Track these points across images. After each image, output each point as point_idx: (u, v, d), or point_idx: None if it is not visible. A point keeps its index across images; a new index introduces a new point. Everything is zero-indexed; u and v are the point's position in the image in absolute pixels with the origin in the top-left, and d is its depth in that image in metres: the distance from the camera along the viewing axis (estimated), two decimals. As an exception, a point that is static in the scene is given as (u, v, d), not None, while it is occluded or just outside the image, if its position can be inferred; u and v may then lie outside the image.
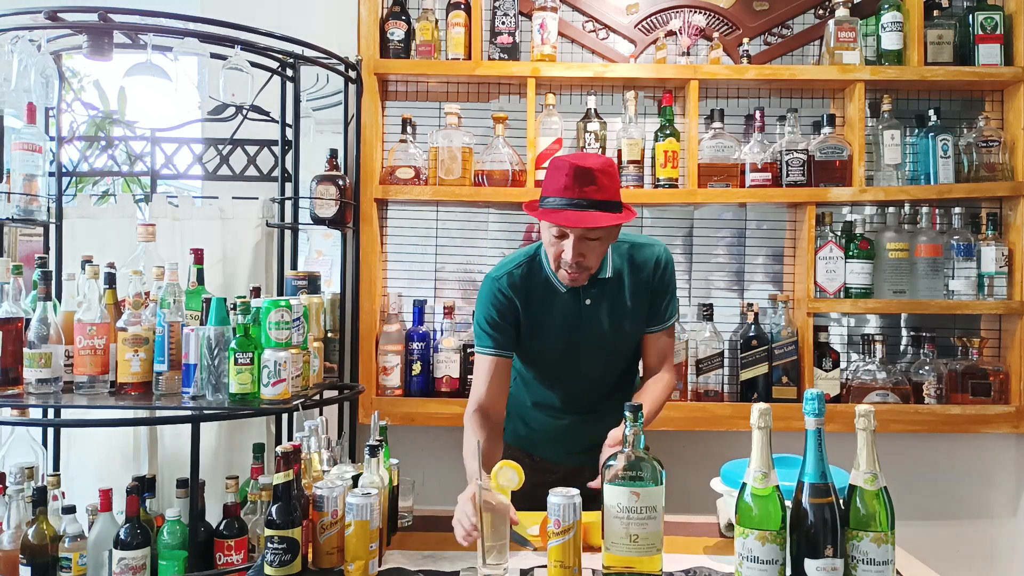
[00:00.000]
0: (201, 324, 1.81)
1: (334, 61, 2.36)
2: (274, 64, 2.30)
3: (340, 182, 2.32)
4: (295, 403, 1.76)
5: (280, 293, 2.32)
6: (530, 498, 1.84)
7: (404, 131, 2.52)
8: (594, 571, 1.33)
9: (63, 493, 1.90)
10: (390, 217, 2.63)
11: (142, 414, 1.87)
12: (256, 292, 2.04)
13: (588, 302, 1.79)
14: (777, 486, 1.21)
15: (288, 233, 2.38)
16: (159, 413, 1.82)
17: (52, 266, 2.29)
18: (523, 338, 1.83)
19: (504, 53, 2.51)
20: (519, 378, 1.97)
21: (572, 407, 1.91)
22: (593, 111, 2.52)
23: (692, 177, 2.48)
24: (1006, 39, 2.51)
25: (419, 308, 2.52)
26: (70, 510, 1.80)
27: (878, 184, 2.52)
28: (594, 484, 1.42)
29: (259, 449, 1.96)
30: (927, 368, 2.50)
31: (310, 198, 2.31)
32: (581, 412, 1.90)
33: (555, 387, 1.91)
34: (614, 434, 1.56)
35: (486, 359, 1.81)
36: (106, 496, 1.83)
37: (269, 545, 1.33)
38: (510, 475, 1.50)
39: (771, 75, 2.48)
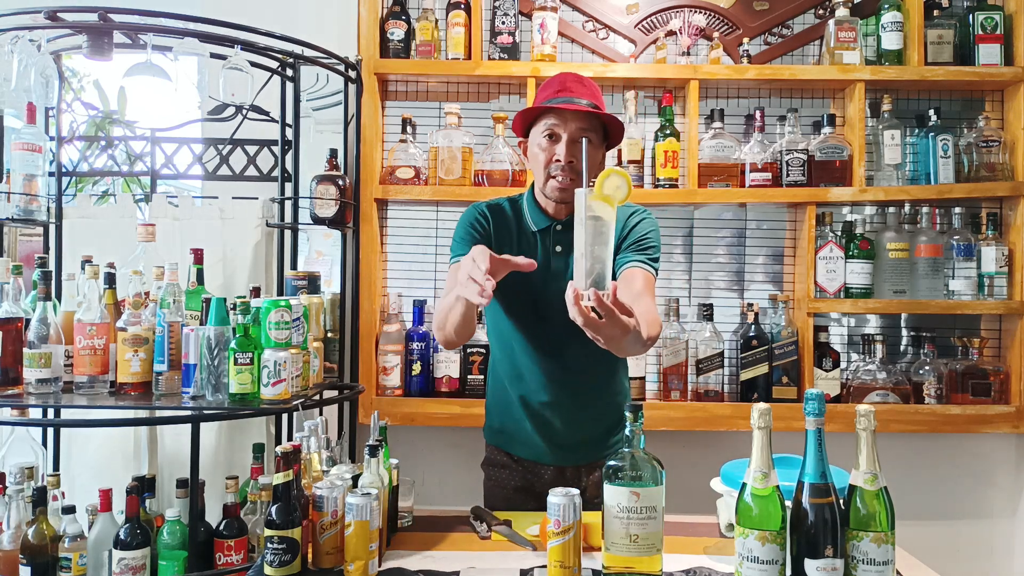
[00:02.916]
0: (201, 324, 1.81)
1: (334, 61, 2.36)
2: (274, 64, 2.30)
3: (340, 182, 2.32)
4: (295, 403, 1.76)
5: (280, 293, 2.32)
6: (511, 502, 1.84)
7: (404, 131, 2.52)
8: (594, 571, 1.33)
9: (63, 493, 1.90)
10: (390, 217, 2.63)
11: (142, 414, 1.87)
12: (256, 292, 2.04)
13: (559, 249, 1.72)
14: (777, 486, 1.21)
15: (288, 233, 2.38)
16: (159, 413, 1.82)
17: (52, 266, 2.29)
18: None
19: (504, 53, 2.51)
20: (496, 351, 1.87)
21: (549, 379, 1.77)
22: (593, 111, 2.52)
23: (692, 177, 2.48)
24: (1006, 39, 2.51)
25: (419, 308, 2.52)
26: (70, 510, 1.79)
27: (878, 184, 2.52)
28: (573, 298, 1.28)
29: (259, 449, 1.95)
30: (927, 368, 2.50)
31: (310, 198, 2.31)
32: (559, 388, 1.77)
33: (528, 352, 1.78)
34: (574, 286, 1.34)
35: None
36: (106, 496, 1.83)
37: (269, 545, 1.33)
38: (618, 184, 1.31)
39: (771, 75, 2.48)
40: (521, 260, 1.44)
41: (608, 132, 1.73)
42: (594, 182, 1.35)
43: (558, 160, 1.66)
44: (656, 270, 1.72)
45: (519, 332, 1.78)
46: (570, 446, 1.81)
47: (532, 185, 1.81)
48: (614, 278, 1.66)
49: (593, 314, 1.30)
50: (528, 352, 1.78)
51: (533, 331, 1.76)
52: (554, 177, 1.68)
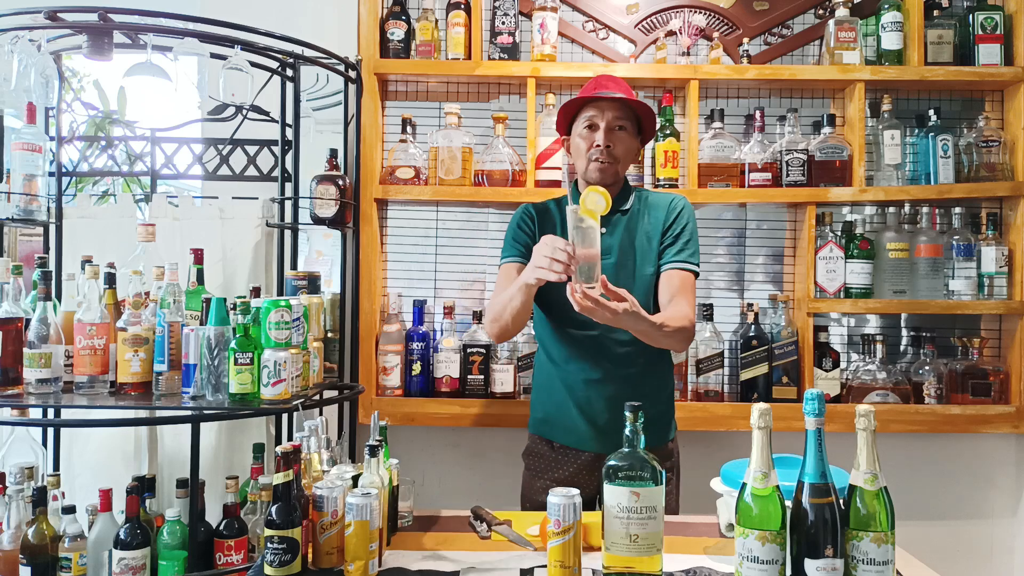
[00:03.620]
0: (201, 324, 1.81)
1: (334, 61, 2.36)
2: (274, 64, 2.30)
3: (340, 182, 2.32)
4: (295, 403, 1.76)
5: (280, 293, 2.32)
6: (547, 494, 1.85)
7: (404, 131, 2.52)
8: (594, 571, 1.33)
9: (63, 493, 1.90)
10: (390, 217, 2.63)
11: (142, 414, 1.87)
12: (256, 292, 2.04)
13: (603, 230, 1.82)
14: (777, 486, 1.21)
15: (288, 233, 2.38)
16: (159, 413, 1.82)
17: (52, 266, 2.29)
18: None
19: (504, 53, 2.51)
20: (543, 339, 1.98)
21: (592, 361, 1.87)
22: (593, 111, 2.52)
23: (692, 177, 2.48)
24: (1006, 39, 2.51)
25: (419, 308, 2.52)
26: (70, 510, 1.79)
27: (878, 184, 2.52)
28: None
29: (259, 449, 1.96)
30: (927, 368, 2.50)
31: (310, 198, 2.31)
32: (602, 369, 1.87)
33: (574, 332, 1.88)
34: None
35: (512, 266, 1.90)
36: (106, 496, 1.83)
37: (269, 545, 1.33)
38: (597, 199, 1.59)
39: (771, 75, 2.48)
40: None
41: (642, 126, 1.92)
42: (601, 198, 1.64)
43: (598, 145, 1.84)
44: (697, 264, 1.89)
45: (565, 314, 1.83)
46: (613, 430, 1.81)
47: (575, 182, 1.98)
48: (656, 277, 1.89)
49: (586, 302, 1.56)
50: (574, 332, 1.88)
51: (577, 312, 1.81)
52: (594, 161, 1.85)
